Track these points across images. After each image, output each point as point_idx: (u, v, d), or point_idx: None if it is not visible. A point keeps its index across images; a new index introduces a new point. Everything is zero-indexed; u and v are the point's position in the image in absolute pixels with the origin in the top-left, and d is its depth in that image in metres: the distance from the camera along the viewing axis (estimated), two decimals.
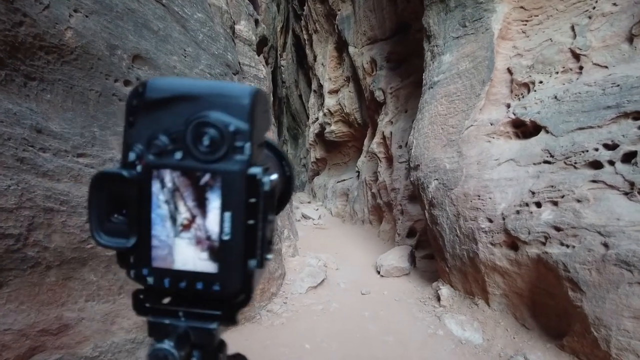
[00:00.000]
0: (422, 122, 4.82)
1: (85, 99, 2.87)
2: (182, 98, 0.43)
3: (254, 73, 7.49)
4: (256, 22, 8.53)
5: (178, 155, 0.41)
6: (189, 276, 0.42)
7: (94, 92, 2.94)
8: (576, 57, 3.72)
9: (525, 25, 4.24)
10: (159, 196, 0.42)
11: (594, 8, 3.69)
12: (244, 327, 3.73)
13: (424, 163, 4.67)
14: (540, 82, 3.87)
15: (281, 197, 0.55)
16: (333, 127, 12.51)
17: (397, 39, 8.35)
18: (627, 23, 3.43)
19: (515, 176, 3.59)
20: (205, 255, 0.42)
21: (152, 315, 0.45)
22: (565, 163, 3.27)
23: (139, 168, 0.41)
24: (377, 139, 8.78)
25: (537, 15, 4.18)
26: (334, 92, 12.27)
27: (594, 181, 3.01)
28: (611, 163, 2.99)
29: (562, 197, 3.12)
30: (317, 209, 12.43)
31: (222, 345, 0.49)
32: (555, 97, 3.61)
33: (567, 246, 2.96)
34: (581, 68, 3.66)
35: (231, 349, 0.48)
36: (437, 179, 4.39)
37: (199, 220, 0.41)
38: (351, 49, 9.96)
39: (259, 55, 8.56)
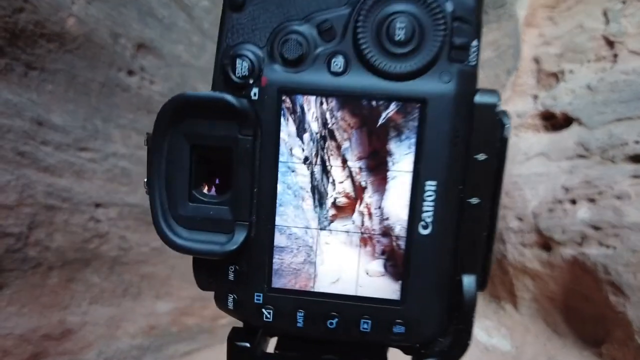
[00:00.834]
0: None
1: (87, 89, 2.79)
2: None
3: None
4: None
5: (337, 63, 0.23)
6: (345, 308, 0.25)
7: (97, 83, 2.85)
8: (610, 44, 3.56)
9: (553, 11, 4.10)
10: (292, 148, 0.24)
11: None
12: None
13: None
14: (571, 71, 3.73)
15: None
16: None
17: None
18: None
19: (546, 171, 3.44)
20: (378, 266, 0.24)
21: None
22: (601, 157, 3.11)
23: (254, 92, 0.24)
24: None
25: (566, 1, 4.02)
26: None
27: (635, 176, 2.85)
28: None
29: (600, 193, 2.96)
30: None
31: None
32: (589, 87, 3.46)
33: (608, 247, 2.80)
34: (615, 56, 3.52)
35: None
36: None
37: (369, 197, 0.24)
38: None
39: None
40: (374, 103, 0.23)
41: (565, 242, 3.11)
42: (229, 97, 0.24)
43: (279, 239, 0.25)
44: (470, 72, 0.22)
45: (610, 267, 2.73)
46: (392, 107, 0.22)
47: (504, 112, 0.23)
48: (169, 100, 0.25)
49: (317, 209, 0.24)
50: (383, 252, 0.24)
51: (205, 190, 0.27)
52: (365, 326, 0.25)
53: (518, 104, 4.02)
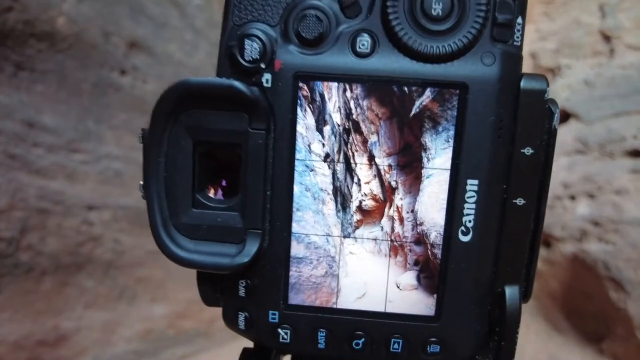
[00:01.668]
0: None
1: (79, 90, 2.75)
2: None
3: None
4: None
5: (363, 43, 0.19)
6: (373, 326, 0.22)
7: (89, 83, 2.81)
8: (606, 38, 3.57)
9: (549, 6, 4.13)
10: (310, 144, 0.20)
11: None
12: None
13: None
14: (568, 66, 3.76)
15: None
16: None
17: None
18: None
19: None
20: (411, 278, 0.21)
21: None
22: (600, 153, 3.13)
23: (266, 78, 0.20)
24: None
25: None
26: None
27: (634, 171, 2.85)
28: None
29: (599, 189, 2.98)
30: None
31: None
32: (586, 82, 3.48)
33: (607, 242, 2.81)
34: (612, 50, 3.53)
35: None
36: None
37: (400, 199, 0.20)
38: None
39: None
40: (406, 89, 0.20)
41: (565, 239, 3.11)
42: (237, 84, 0.20)
43: (297, 249, 0.22)
44: (515, 53, 0.19)
45: (610, 263, 2.72)
46: (427, 93, 0.20)
47: (553, 100, 0.20)
48: (169, 87, 0.21)
49: (340, 214, 0.21)
50: (416, 263, 0.21)
51: (210, 194, 0.23)
52: (396, 346, 0.22)
53: None
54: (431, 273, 0.21)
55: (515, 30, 0.19)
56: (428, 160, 0.20)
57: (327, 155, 0.20)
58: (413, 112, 0.20)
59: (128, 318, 2.86)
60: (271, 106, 0.20)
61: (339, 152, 0.20)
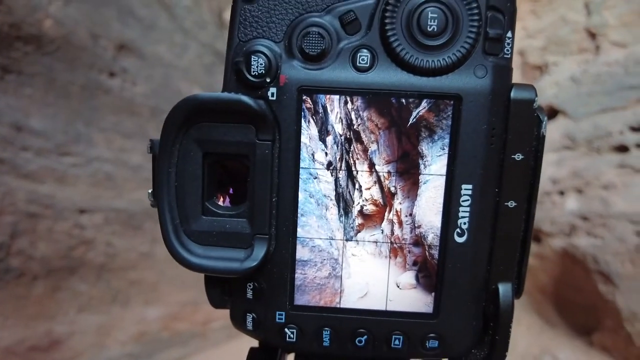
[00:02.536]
0: None
1: (67, 92, 2.74)
2: None
3: None
4: None
5: (362, 58, 0.21)
6: (375, 324, 0.23)
7: (77, 86, 2.80)
8: (592, 36, 3.60)
9: (535, 4, 4.14)
10: (314, 153, 0.22)
11: None
12: None
13: None
14: (555, 63, 3.79)
15: None
16: None
17: None
18: None
19: None
20: (410, 278, 0.23)
21: None
22: (587, 148, 3.16)
23: (271, 92, 0.21)
24: None
25: None
26: None
27: (621, 166, 2.88)
28: (638, 146, 2.86)
29: (587, 184, 3.01)
30: None
31: None
32: (573, 79, 3.51)
33: (596, 237, 2.84)
34: (597, 47, 3.57)
35: None
36: None
37: (399, 203, 0.22)
38: None
39: None
40: (403, 101, 0.21)
41: (554, 234, 3.14)
42: (245, 99, 0.22)
43: (302, 252, 0.23)
44: (506, 65, 0.21)
45: (599, 257, 2.76)
46: (424, 104, 0.21)
47: (541, 108, 0.21)
48: (179, 102, 0.22)
49: (343, 219, 0.22)
50: (415, 263, 0.23)
51: (219, 202, 0.24)
52: (397, 342, 0.24)
53: None
54: (429, 273, 0.23)
55: (506, 44, 0.20)
56: (425, 166, 0.21)
57: (329, 164, 0.22)
58: (410, 122, 0.21)
59: (122, 321, 2.85)
60: (277, 118, 0.22)
61: (341, 160, 0.22)
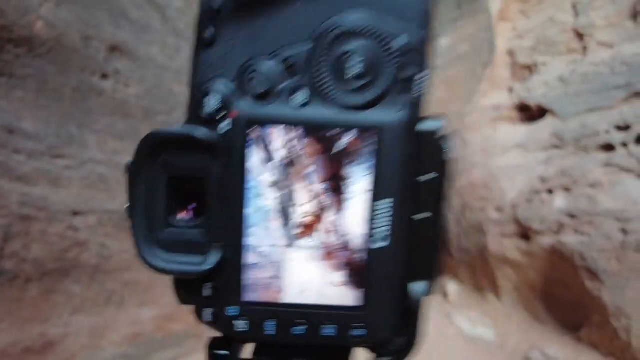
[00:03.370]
0: None
1: (60, 95, 2.74)
2: None
3: None
4: None
5: (299, 97, 0.26)
6: (311, 316, 0.28)
7: (69, 88, 2.80)
8: (579, 36, 3.68)
9: (525, 5, 4.21)
10: (260, 175, 0.26)
11: None
12: None
13: None
14: (544, 63, 3.85)
15: None
16: None
17: None
18: (629, 0, 3.36)
19: (523, 163, 3.54)
20: (341, 277, 0.27)
21: None
22: (575, 147, 3.21)
23: (223, 125, 0.26)
24: None
25: None
26: None
27: (607, 165, 2.94)
28: (624, 145, 2.92)
29: (575, 182, 3.06)
30: None
31: None
32: (561, 79, 3.57)
33: (583, 234, 2.90)
34: (585, 48, 3.63)
35: None
36: None
37: (330, 216, 0.26)
38: None
39: None
40: (334, 132, 0.25)
41: (543, 231, 3.19)
42: (199, 133, 0.26)
43: (250, 257, 0.28)
44: (417, 102, 0.25)
45: (585, 253, 2.81)
46: (352, 134, 0.25)
47: (445, 137, 0.26)
48: (144, 137, 0.27)
49: (284, 229, 0.27)
50: (345, 265, 0.27)
51: (182, 216, 0.29)
52: (331, 330, 0.28)
53: (494, 97, 4.11)
54: (357, 273, 0.27)
55: (416, 84, 0.24)
56: (352, 185, 0.26)
57: (273, 183, 0.26)
58: (340, 148, 0.25)
59: (116, 322, 2.86)
60: (228, 147, 0.26)
61: (283, 181, 0.26)
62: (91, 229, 2.70)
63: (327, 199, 0.26)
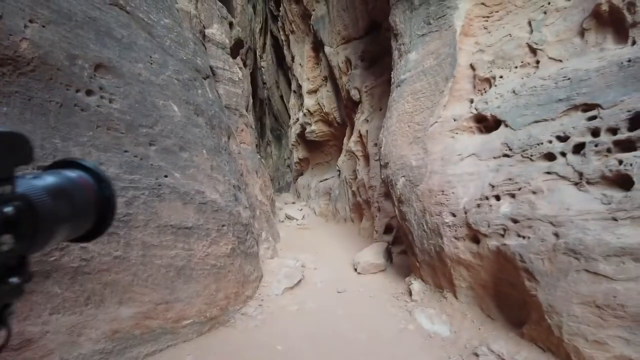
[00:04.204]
0: (391, 120, 4.89)
1: (45, 110, 2.87)
2: None
3: (228, 76, 7.50)
4: (230, 24, 8.52)
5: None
6: None
7: (55, 103, 2.94)
8: (533, 51, 3.81)
9: (487, 21, 4.33)
10: None
11: (549, 3, 3.80)
12: (218, 331, 3.76)
13: (392, 160, 4.75)
14: (501, 76, 3.96)
15: (98, 220, 0.58)
16: (313, 127, 12.58)
17: (370, 38, 8.43)
18: (578, 17, 3.53)
19: (476, 170, 3.67)
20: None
21: None
22: (522, 156, 3.35)
23: None
24: (355, 137, 8.86)
25: (498, 11, 4.28)
26: (313, 92, 12.32)
27: (548, 172, 3.10)
28: (563, 154, 3.08)
29: (519, 189, 3.21)
30: (301, 209, 12.48)
31: None
32: (514, 92, 3.70)
33: (523, 237, 3.05)
34: (538, 62, 3.75)
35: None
36: (404, 176, 4.47)
37: None
38: (327, 49, 10.02)
39: (234, 58, 8.55)
40: None
41: (490, 235, 3.35)
42: None
43: None
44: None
45: (524, 255, 2.98)
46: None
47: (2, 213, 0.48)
48: None
49: None
50: None
51: None
52: None
53: (456, 108, 4.25)
54: None
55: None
56: None
57: None
58: None
59: (95, 320, 2.92)
60: None
61: None
62: None
63: None
